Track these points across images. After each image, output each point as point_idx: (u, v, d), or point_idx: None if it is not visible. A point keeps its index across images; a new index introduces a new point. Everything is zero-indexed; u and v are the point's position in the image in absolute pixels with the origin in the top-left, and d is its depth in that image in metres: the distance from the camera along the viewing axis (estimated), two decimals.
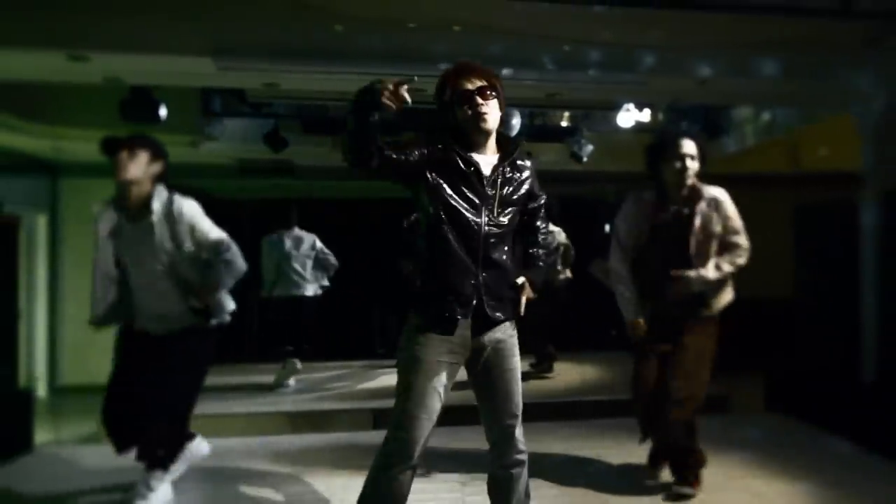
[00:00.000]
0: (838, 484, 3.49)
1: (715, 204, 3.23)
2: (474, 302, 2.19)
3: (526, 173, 2.32)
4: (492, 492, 2.38)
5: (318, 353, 6.13)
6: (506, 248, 2.27)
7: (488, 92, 2.22)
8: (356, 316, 7.59)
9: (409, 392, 2.17)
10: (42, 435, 4.60)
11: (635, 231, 3.29)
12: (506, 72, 4.21)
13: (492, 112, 2.23)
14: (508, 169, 2.28)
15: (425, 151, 2.18)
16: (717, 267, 3.20)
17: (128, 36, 3.77)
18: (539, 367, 6.36)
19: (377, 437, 2.23)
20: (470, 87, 2.21)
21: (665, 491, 3.33)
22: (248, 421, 4.82)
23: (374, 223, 7.18)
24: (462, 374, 2.30)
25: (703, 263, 3.20)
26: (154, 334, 3.15)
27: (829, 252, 5.42)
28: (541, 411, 4.94)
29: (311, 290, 5.90)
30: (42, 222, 6.86)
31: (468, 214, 2.19)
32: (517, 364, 2.32)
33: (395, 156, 2.11)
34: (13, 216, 5.70)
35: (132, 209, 3.12)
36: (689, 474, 3.28)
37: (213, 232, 3.16)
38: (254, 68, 4.12)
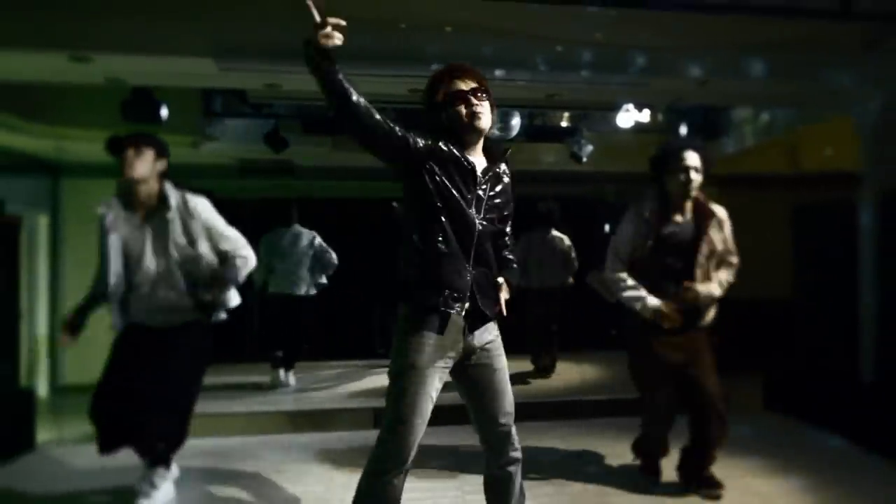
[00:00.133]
0: (837, 483, 3.51)
1: (719, 223, 3.33)
2: (468, 296, 2.21)
3: (508, 179, 2.35)
4: (489, 492, 2.37)
5: (318, 353, 6.13)
6: (491, 248, 2.29)
7: (480, 93, 2.24)
8: (356, 316, 7.60)
9: (403, 397, 2.15)
10: (44, 434, 4.61)
11: (636, 242, 3.32)
12: (506, 73, 4.23)
13: (486, 112, 2.25)
14: (497, 172, 2.30)
15: (429, 143, 2.18)
16: (720, 284, 3.30)
17: (129, 37, 3.77)
18: (541, 367, 6.37)
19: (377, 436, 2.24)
20: (464, 87, 2.23)
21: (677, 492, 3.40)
22: (248, 420, 4.83)
23: (374, 223, 7.19)
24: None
25: (705, 277, 3.28)
26: (155, 328, 3.16)
27: (828, 252, 5.43)
28: (540, 410, 4.97)
29: (305, 288, 5.88)
30: (43, 222, 6.87)
31: (465, 211, 2.20)
32: (506, 363, 2.34)
33: (398, 129, 2.10)
34: (15, 216, 5.70)
35: (140, 206, 3.16)
36: (714, 477, 3.34)
37: (229, 229, 3.28)
38: (255, 69, 4.13)
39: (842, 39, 4.05)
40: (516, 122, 6.35)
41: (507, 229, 2.42)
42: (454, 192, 2.19)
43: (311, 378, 6.13)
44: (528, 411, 4.81)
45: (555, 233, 6.36)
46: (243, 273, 3.30)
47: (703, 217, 3.29)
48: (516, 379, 5.96)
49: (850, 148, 4.99)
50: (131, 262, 3.17)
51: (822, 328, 5.43)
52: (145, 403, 3.11)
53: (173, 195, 3.19)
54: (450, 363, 2.23)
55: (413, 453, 2.18)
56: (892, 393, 4.23)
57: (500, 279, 2.37)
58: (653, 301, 3.23)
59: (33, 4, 3.54)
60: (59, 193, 6.95)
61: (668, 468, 3.59)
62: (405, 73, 4.11)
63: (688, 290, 3.22)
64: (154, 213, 3.16)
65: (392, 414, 2.18)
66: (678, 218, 3.29)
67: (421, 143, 2.16)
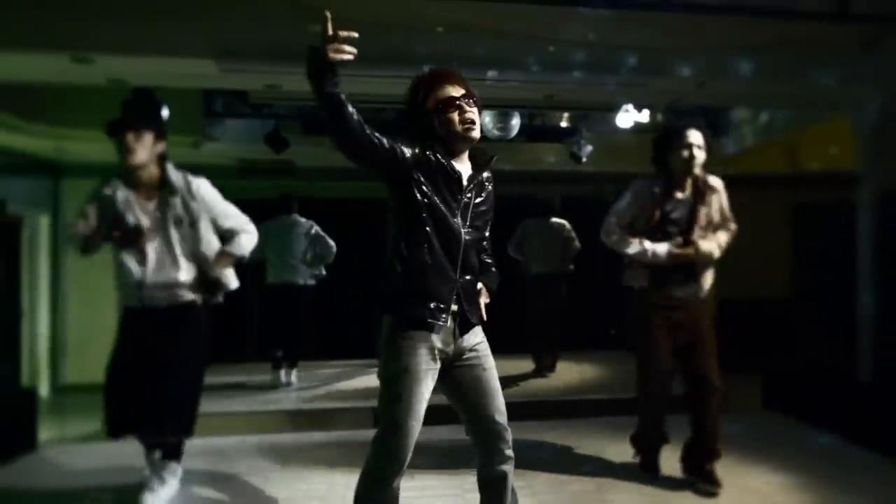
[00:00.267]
0: (835, 481, 3.52)
1: (716, 195, 3.42)
2: (454, 307, 2.21)
3: (491, 186, 2.34)
4: (485, 492, 2.36)
5: (319, 353, 6.15)
6: (475, 255, 2.30)
7: (470, 99, 2.21)
8: (356, 315, 7.62)
9: (398, 402, 2.15)
10: (45, 433, 4.63)
11: (635, 212, 3.41)
12: (503, 74, 4.25)
13: (477, 118, 2.22)
14: (481, 180, 2.29)
15: (415, 152, 2.16)
16: (719, 245, 3.40)
17: (131, 38, 3.79)
18: (544, 365, 6.38)
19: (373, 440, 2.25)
20: (455, 94, 2.20)
21: (678, 486, 3.44)
22: (248, 420, 4.84)
23: (375, 223, 7.20)
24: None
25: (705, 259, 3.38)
26: (156, 310, 3.17)
27: (827, 252, 5.45)
28: (540, 409, 4.99)
29: (302, 277, 5.85)
30: (44, 223, 6.89)
31: (451, 221, 2.19)
32: (494, 363, 2.34)
33: (385, 141, 2.09)
34: (16, 216, 5.73)
35: (143, 187, 3.18)
36: (714, 473, 3.37)
37: (231, 207, 3.35)
38: (256, 70, 4.15)
39: (839, 40, 4.07)
40: (516, 122, 6.38)
41: (487, 233, 2.41)
42: (441, 203, 2.17)
43: (312, 377, 6.15)
44: (528, 410, 4.85)
45: (554, 220, 6.38)
46: (248, 249, 3.36)
47: (702, 190, 3.39)
48: (518, 379, 6.05)
49: (849, 148, 5.00)
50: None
51: (820, 328, 5.45)
52: (156, 387, 3.14)
53: (175, 176, 3.21)
54: (439, 364, 2.23)
55: (410, 455, 2.19)
56: (890, 392, 4.25)
57: (479, 285, 2.36)
58: (659, 247, 3.32)
59: (35, 6, 3.55)
60: (60, 194, 6.96)
61: (669, 467, 3.61)
62: (401, 73, 4.13)
63: (689, 243, 3.30)
64: (154, 193, 3.19)
65: (388, 418, 2.17)
66: (679, 195, 3.38)
67: (408, 153, 2.14)
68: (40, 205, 6.79)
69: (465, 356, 2.27)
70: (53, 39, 3.76)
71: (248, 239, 3.35)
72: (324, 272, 6.02)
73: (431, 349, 2.18)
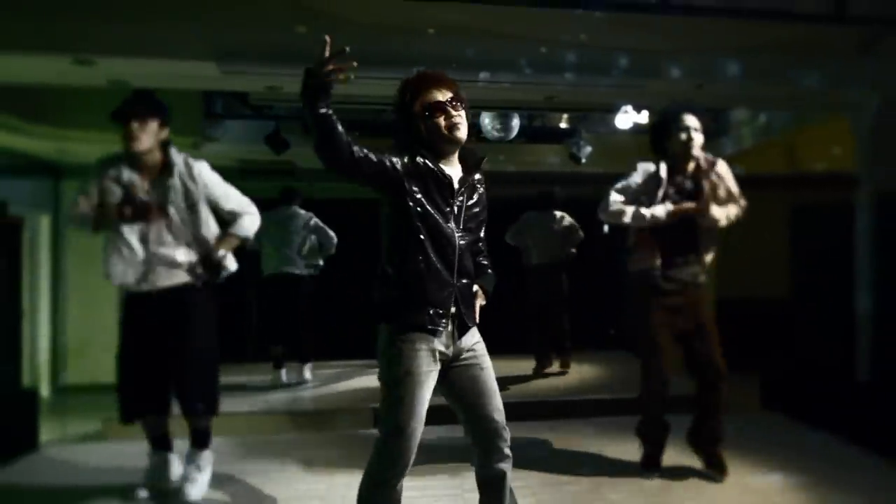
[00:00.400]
0: (833, 481, 3.54)
1: (719, 176, 3.45)
2: (453, 311, 2.23)
3: (483, 188, 2.35)
4: (485, 491, 2.38)
5: (319, 353, 6.15)
6: (470, 258, 2.31)
7: (457, 102, 2.21)
8: (356, 315, 7.63)
9: (400, 405, 2.17)
10: (46, 434, 4.64)
11: (638, 193, 3.44)
12: (503, 75, 4.26)
13: (464, 122, 2.23)
14: (472, 183, 2.30)
15: (404, 161, 2.17)
16: (727, 216, 3.44)
17: (132, 40, 3.81)
18: (559, 363, 6.38)
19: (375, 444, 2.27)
20: (442, 98, 2.20)
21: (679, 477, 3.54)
22: (248, 420, 4.85)
23: (374, 224, 7.19)
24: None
25: (710, 235, 3.42)
26: (159, 291, 3.20)
27: (826, 252, 5.47)
28: (540, 410, 5.00)
29: (299, 268, 5.82)
30: (45, 223, 6.90)
31: (444, 226, 2.20)
32: (490, 363, 2.35)
33: (373, 157, 2.11)
34: (17, 217, 5.73)
35: (145, 171, 3.23)
36: (722, 459, 3.49)
37: (231, 189, 3.40)
38: (256, 72, 4.17)
39: (837, 42, 4.10)
40: (515, 123, 6.40)
41: (481, 234, 2.42)
42: (433, 209, 2.19)
43: (312, 377, 6.15)
44: (528, 411, 4.86)
45: (556, 212, 6.39)
46: (252, 230, 3.41)
47: (705, 171, 3.42)
48: (518, 379, 6.05)
49: (848, 149, 5.03)
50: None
51: (819, 328, 5.47)
52: (175, 370, 3.23)
53: (176, 159, 3.26)
54: (439, 366, 2.25)
55: (413, 457, 2.20)
56: (888, 392, 4.27)
57: (476, 287, 2.37)
58: (657, 208, 3.34)
59: (38, 9, 3.57)
60: (60, 195, 6.97)
61: (669, 466, 3.63)
62: (402, 75, 4.15)
63: (698, 207, 3.32)
64: (157, 177, 3.23)
65: (391, 422, 2.19)
66: (680, 179, 3.40)
67: (398, 164, 2.15)
68: (41, 206, 6.80)
69: (462, 356, 2.29)
70: (55, 41, 3.78)
71: (251, 220, 3.40)
72: (321, 263, 5.98)
73: (432, 352, 2.20)
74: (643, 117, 6.54)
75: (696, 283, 3.46)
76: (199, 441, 3.40)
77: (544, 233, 6.29)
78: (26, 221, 6.21)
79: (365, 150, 2.10)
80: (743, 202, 3.51)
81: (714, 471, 3.51)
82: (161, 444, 3.41)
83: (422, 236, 2.18)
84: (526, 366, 6.43)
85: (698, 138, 3.35)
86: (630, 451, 3.82)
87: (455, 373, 2.29)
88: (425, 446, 2.26)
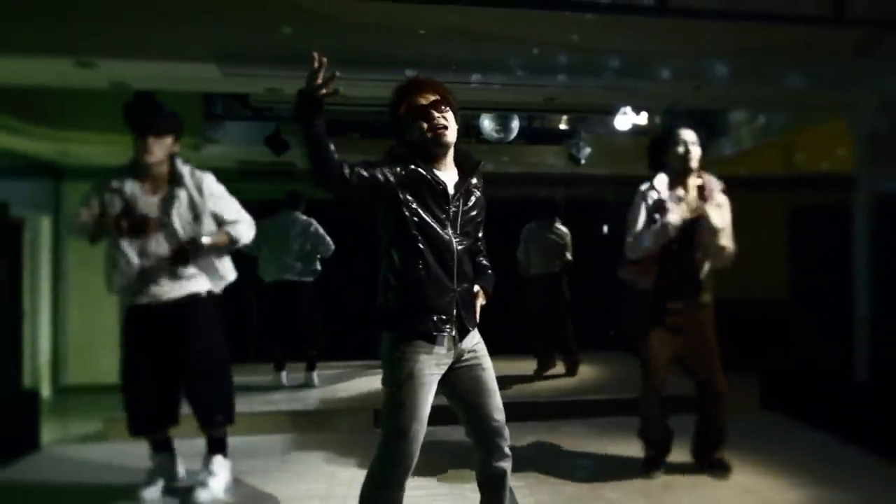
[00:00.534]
0: (831, 480, 3.56)
1: (719, 203, 3.44)
2: (454, 315, 2.24)
3: (480, 192, 2.36)
4: (485, 490, 2.40)
5: (320, 354, 6.16)
6: (469, 262, 2.33)
7: (442, 105, 2.22)
8: (357, 316, 7.65)
9: (403, 408, 2.18)
10: (47, 434, 4.65)
11: (650, 208, 3.45)
12: (505, 77, 4.28)
13: (449, 125, 2.23)
14: (468, 187, 2.31)
15: (397, 170, 2.17)
16: (723, 220, 3.43)
17: (134, 42, 3.83)
18: (547, 367, 6.41)
19: (378, 435, 2.28)
20: (424, 101, 2.22)
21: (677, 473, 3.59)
22: (248, 420, 4.85)
23: (374, 225, 7.22)
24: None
25: (710, 251, 3.40)
26: (161, 303, 3.20)
27: (824, 253, 5.49)
28: (540, 410, 5.01)
29: (298, 274, 5.81)
30: (46, 224, 6.91)
31: (442, 233, 2.21)
32: (491, 363, 2.37)
33: (365, 173, 2.11)
34: (18, 218, 5.75)
35: (151, 182, 3.24)
36: (723, 459, 3.56)
37: (235, 203, 3.40)
38: (257, 74, 4.18)
39: (835, 44, 4.11)
40: (515, 124, 6.42)
41: (480, 234, 2.42)
42: (430, 217, 2.20)
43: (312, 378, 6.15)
44: (528, 411, 4.87)
45: (558, 225, 6.42)
46: (244, 237, 3.36)
47: (707, 189, 3.43)
48: (518, 380, 6.07)
49: (846, 150, 5.04)
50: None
51: (817, 328, 5.49)
52: (188, 381, 3.23)
53: (183, 171, 3.27)
54: (443, 369, 2.27)
55: (416, 460, 2.22)
56: (886, 392, 4.28)
57: (476, 287, 2.38)
58: (671, 216, 3.34)
59: (40, 11, 3.59)
60: (61, 196, 6.99)
61: (668, 466, 3.64)
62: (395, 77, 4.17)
63: (701, 209, 3.33)
64: (163, 188, 3.25)
65: (394, 424, 2.20)
66: (681, 192, 3.41)
67: (391, 176, 2.16)
68: (42, 207, 6.81)
69: (464, 358, 2.31)
70: (56, 44, 3.80)
71: (247, 228, 3.38)
72: (319, 267, 5.99)
73: (434, 356, 2.22)
74: (642, 118, 6.56)
75: (698, 304, 3.45)
76: (215, 447, 3.42)
77: (543, 245, 6.33)
78: (27, 223, 6.24)
79: (357, 168, 2.11)
80: (732, 247, 3.44)
81: (718, 472, 3.56)
82: (163, 447, 3.42)
83: (420, 245, 2.19)
84: (526, 366, 6.44)
85: (696, 151, 3.37)
86: (629, 450, 3.84)
87: (457, 374, 2.30)
88: (426, 446, 2.27)
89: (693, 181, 3.44)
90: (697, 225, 3.37)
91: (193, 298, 3.25)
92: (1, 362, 4.77)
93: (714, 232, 3.34)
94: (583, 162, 6.74)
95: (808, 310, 5.61)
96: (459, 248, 2.26)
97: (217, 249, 3.31)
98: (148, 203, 3.21)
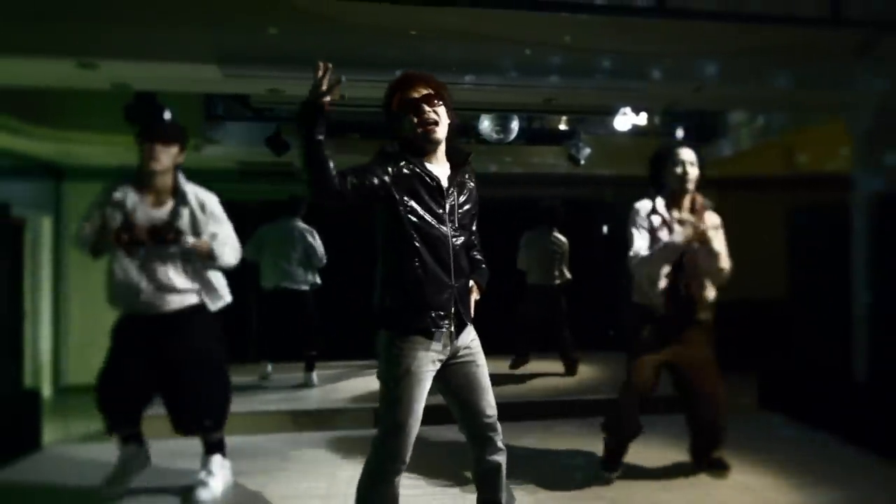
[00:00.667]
0: (831, 481, 3.57)
1: (716, 227, 3.43)
2: (452, 311, 2.26)
3: (473, 184, 2.38)
4: (481, 484, 2.42)
5: (319, 354, 6.18)
6: (465, 257, 2.34)
7: (434, 100, 2.23)
8: (357, 316, 7.66)
9: (399, 403, 2.20)
10: (49, 434, 4.66)
11: (649, 226, 3.43)
12: (505, 78, 4.30)
13: (440, 120, 2.24)
14: (461, 180, 2.32)
15: (389, 170, 2.18)
16: (721, 243, 3.40)
17: (135, 43, 3.84)
18: (516, 365, 6.45)
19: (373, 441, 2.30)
20: (416, 95, 2.22)
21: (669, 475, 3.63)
22: (249, 420, 4.87)
23: (374, 225, 7.21)
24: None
25: (708, 268, 3.37)
26: (155, 315, 3.20)
27: (823, 253, 5.50)
28: (540, 410, 5.02)
29: (297, 283, 5.82)
30: (47, 224, 6.93)
31: (438, 229, 2.22)
32: (485, 360, 2.39)
33: (359, 181, 2.11)
34: (19, 219, 5.76)
35: (153, 194, 3.24)
36: (721, 459, 3.59)
37: (229, 227, 3.37)
38: (259, 75, 4.19)
39: (833, 46, 4.13)
40: (515, 125, 6.44)
41: (473, 227, 2.43)
42: (425, 213, 2.21)
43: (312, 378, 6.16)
44: (525, 411, 4.89)
45: (556, 234, 6.43)
46: (227, 260, 3.29)
47: (699, 210, 3.42)
48: (518, 380, 6.08)
49: (845, 150, 5.05)
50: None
51: (816, 328, 5.49)
52: (180, 389, 3.24)
53: (188, 188, 3.29)
54: (438, 365, 2.28)
55: (410, 453, 2.24)
56: (885, 392, 4.29)
57: (471, 282, 2.39)
58: (675, 237, 3.31)
59: (41, 13, 3.60)
60: (62, 196, 7.01)
61: (667, 466, 3.66)
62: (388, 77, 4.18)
63: (696, 227, 3.31)
64: (166, 202, 3.25)
65: (389, 419, 2.22)
66: (676, 213, 3.42)
67: (386, 176, 2.16)
68: (43, 207, 6.83)
69: (459, 354, 2.33)
70: (58, 45, 3.81)
71: (231, 252, 3.34)
72: (318, 280, 6.00)
73: (431, 352, 2.24)
74: (642, 119, 6.58)
75: (695, 321, 3.43)
76: (212, 448, 3.44)
77: (540, 255, 6.34)
78: (28, 223, 6.26)
79: (349, 177, 2.10)
80: (729, 268, 3.41)
81: (717, 472, 3.57)
82: (133, 438, 3.44)
83: (416, 243, 2.20)
84: (525, 366, 6.46)
85: (693, 172, 3.38)
86: (629, 451, 3.84)
87: (452, 370, 2.32)
88: (425, 446, 2.29)
89: (687, 201, 3.45)
90: (693, 248, 3.34)
91: (188, 310, 3.26)
92: (2, 362, 4.77)
93: (715, 255, 3.34)
94: (582, 162, 6.76)
95: (808, 310, 5.62)
96: (456, 243, 2.27)
97: (196, 258, 3.26)
98: (150, 216, 3.21)
